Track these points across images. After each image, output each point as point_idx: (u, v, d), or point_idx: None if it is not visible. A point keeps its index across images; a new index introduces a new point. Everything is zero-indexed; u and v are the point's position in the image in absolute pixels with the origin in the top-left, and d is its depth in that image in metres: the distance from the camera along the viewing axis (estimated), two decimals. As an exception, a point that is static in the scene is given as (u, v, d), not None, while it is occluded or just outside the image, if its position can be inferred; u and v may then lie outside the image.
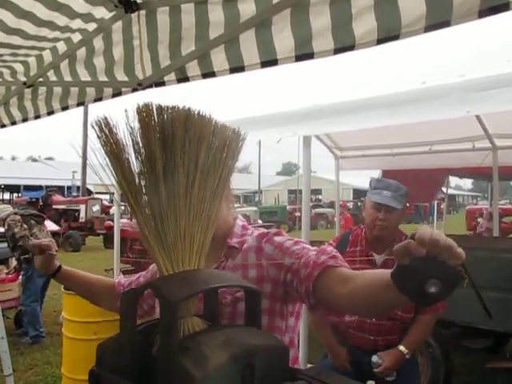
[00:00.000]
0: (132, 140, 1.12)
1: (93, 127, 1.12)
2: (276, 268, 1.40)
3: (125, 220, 10.68)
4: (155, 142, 1.11)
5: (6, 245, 6.53)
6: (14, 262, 6.67)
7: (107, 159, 1.12)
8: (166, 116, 1.12)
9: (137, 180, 1.14)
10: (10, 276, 6.52)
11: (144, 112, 1.11)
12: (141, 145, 1.12)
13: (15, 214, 6.35)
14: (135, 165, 1.13)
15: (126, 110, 1.11)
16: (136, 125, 1.11)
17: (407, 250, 0.94)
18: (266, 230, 1.52)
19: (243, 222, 1.58)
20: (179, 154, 1.11)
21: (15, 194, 35.91)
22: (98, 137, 1.11)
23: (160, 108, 1.12)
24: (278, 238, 1.46)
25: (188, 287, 1.10)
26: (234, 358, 0.99)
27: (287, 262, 1.37)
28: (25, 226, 6.23)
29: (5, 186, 33.89)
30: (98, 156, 1.13)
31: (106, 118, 1.11)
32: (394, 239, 2.79)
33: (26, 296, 6.19)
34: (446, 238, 0.94)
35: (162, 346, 1.03)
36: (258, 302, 1.18)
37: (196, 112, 1.16)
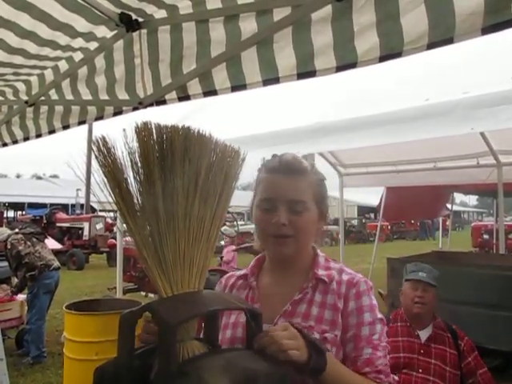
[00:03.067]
0: (131, 160, 1.10)
1: (91, 147, 1.11)
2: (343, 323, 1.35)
3: (128, 238, 10.58)
4: (154, 162, 1.09)
5: (5, 263, 6.53)
6: (15, 281, 6.64)
7: (105, 179, 1.11)
8: (165, 135, 1.10)
9: (135, 200, 1.11)
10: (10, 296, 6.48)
11: (143, 131, 1.09)
12: (139, 165, 1.10)
13: (16, 233, 6.35)
14: (134, 185, 1.11)
15: (124, 130, 1.09)
16: (135, 144, 1.10)
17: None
18: (355, 277, 1.40)
19: (323, 254, 1.52)
20: (178, 174, 1.09)
21: (19, 212, 35.92)
22: (96, 157, 1.10)
23: (159, 127, 1.10)
24: (366, 303, 1.36)
25: (187, 310, 1.07)
26: (234, 383, 0.96)
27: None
28: (28, 243, 6.23)
29: (9, 203, 33.90)
30: (96, 176, 1.12)
31: (103, 138, 1.10)
32: (433, 318, 3.08)
33: (31, 314, 6.13)
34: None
35: (161, 371, 1.01)
36: (260, 325, 1.16)
37: (196, 131, 1.14)
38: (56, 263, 6.44)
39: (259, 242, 1.49)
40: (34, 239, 6.39)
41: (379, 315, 1.37)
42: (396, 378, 1.34)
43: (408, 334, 3.04)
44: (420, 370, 2.90)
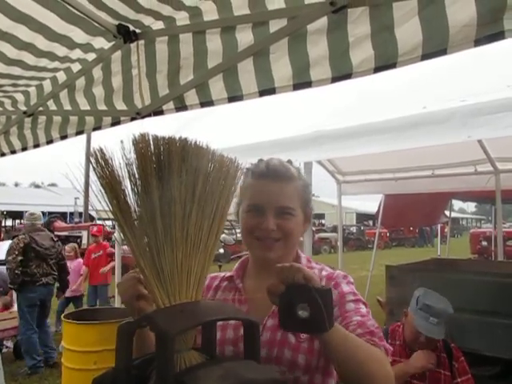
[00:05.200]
0: (128, 171, 1.11)
1: (89, 159, 1.12)
2: None
3: (126, 246, 10.52)
4: (151, 173, 1.09)
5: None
6: None
7: (103, 191, 1.11)
8: (162, 147, 1.11)
9: (133, 211, 1.12)
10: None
11: (140, 143, 1.10)
12: (137, 176, 1.11)
13: (23, 234, 6.27)
14: (131, 196, 1.12)
15: (122, 141, 1.10)
16: (132, 156, 1.10)
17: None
18: (335, 273, 1.46)
19: (305, 255, 1.56)
20: (176, 185, 1.10)
21: (18, 221, 35.85)
22: (94, 169, 1.10)
23: (156, 139, 1.11)
24: (345, 289, 1.40)
25: (185, 320, 1.08)
26: (231, 393, 0.97)
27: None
28: (19, 257, 6.06)
29: (7, 212, 33.82)
30: (93, 187, 1.12)
31: (101, 150, 1.10)
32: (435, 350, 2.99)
33: (20, 325, 6.11)
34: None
35: (158, 381, 1.01)
36: (257, 335, 1.16)
37: (193, 142, 1.15)
38: (44, 280, 6.25)
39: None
40: (39, 251, 6.25)
41: (362, 299, 1.39)
42: (390, 347, 1.32)
43: (404, 356, 3.01)
44: None
